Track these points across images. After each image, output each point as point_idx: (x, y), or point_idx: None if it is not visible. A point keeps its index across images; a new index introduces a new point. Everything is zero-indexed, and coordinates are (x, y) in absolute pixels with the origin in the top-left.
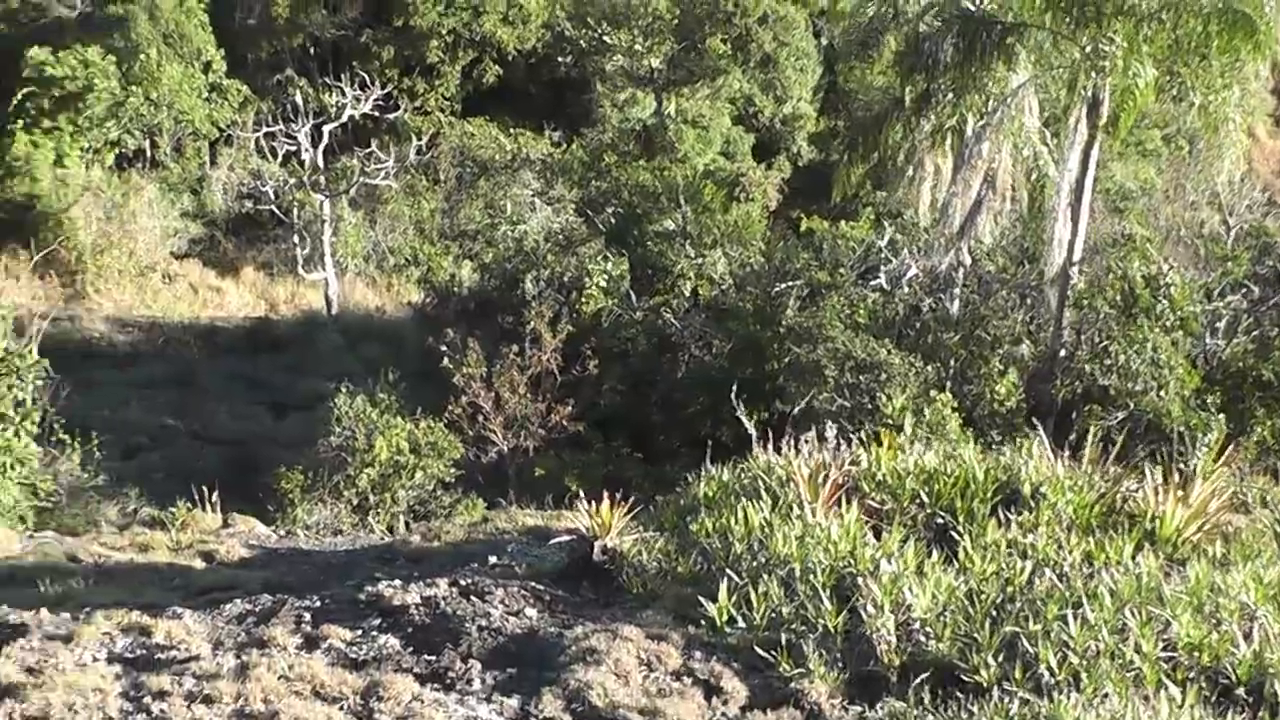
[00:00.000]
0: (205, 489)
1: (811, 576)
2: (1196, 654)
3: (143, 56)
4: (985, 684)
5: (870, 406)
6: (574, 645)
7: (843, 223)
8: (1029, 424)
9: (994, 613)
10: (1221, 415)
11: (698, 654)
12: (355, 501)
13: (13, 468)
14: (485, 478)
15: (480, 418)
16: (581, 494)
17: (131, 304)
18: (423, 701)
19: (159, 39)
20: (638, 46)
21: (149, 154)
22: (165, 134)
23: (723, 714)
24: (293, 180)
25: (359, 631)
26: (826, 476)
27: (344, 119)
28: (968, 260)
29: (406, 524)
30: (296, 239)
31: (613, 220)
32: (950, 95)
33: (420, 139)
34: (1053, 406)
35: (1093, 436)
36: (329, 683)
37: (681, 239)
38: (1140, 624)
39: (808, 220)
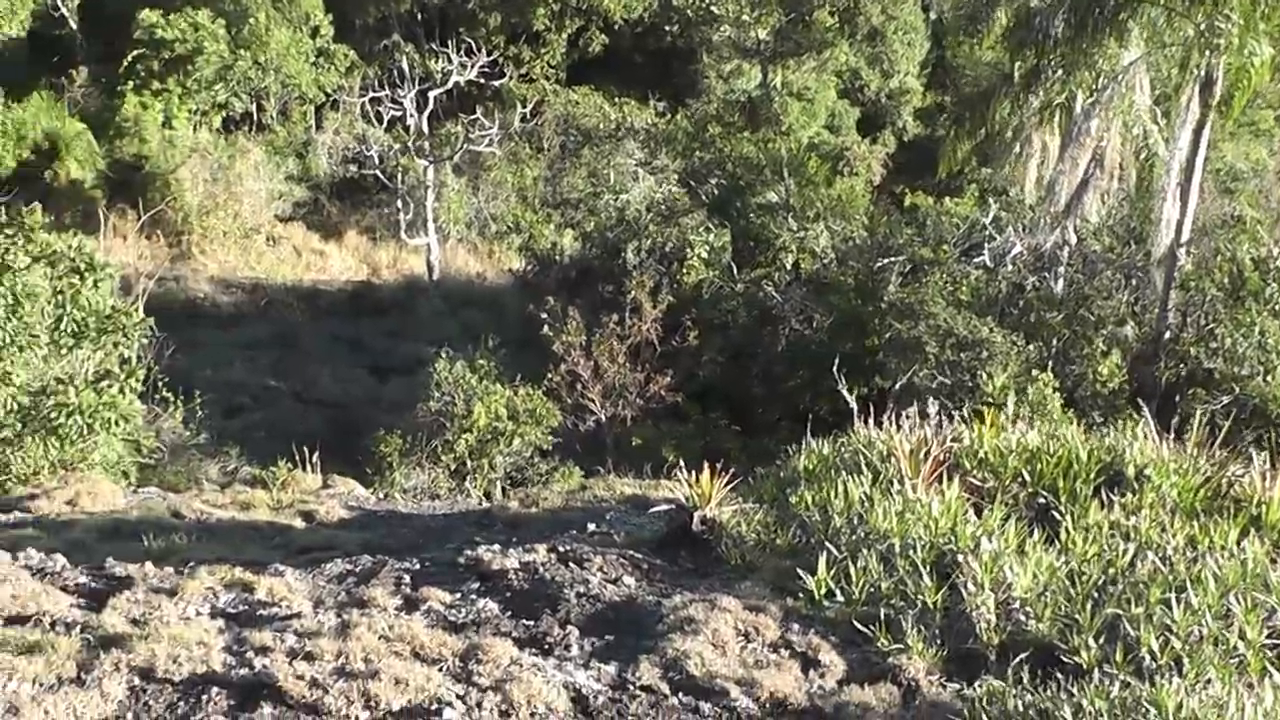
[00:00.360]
0: (306, 450)
1: (911, 552)
2: None
3: (251, 20)
4: (1085, 665)
5: (970, 384)
6: (672, 614)
7: (947, 199)
8: (1131, 406)
9: (1095, 594)
10: None
11: (795, 626)
12: (453, 467)
13: (117, 424)
14: (582, 446)
15: (579, 386)
16: (682, 464)
17: (236, 265)
18: (521, 666)
19: (268, 3)
20: (745, 17)
21: (255, 117)
22: (272, 97)
23: (820, 686)
24: (397, 145)
25: (458, 595)
26: (928, 453)
27: (449, 85)
28: (1073, 239)
29: (503, 490)
30: (400, 204)
31: (715, 192)
32: (1060, 71)
33: (525, 106)
34: (1156, 389)
35: (1198, 420)
36: (428, 644)
37: (784, 212)
38: (1245, 610)
39: (911, 196)
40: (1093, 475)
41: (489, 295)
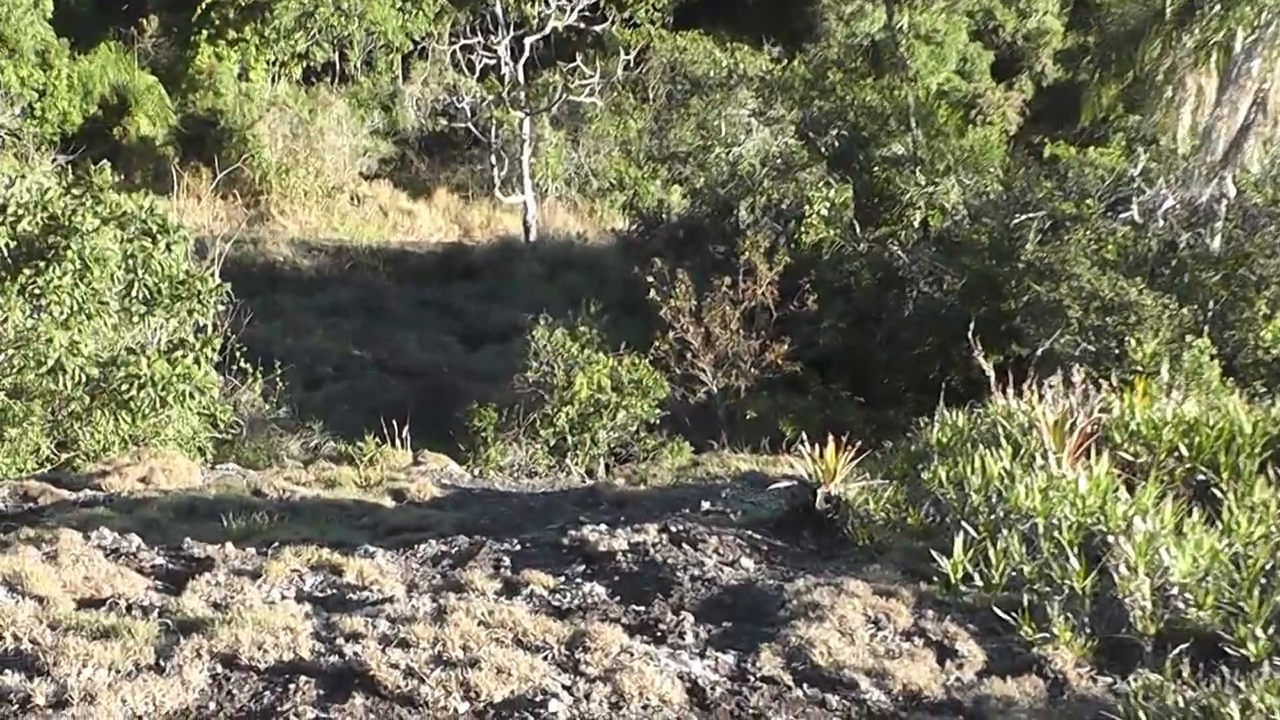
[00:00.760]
0: (394, 423)
1: (1056, 533)
2: None
3: None
4: (1253, 657)
5: (1117, 351)
6: (794, 599)
7: (1090, 149)
8: None
9: (1263, 580)
10: None
11: (930, 613)
12: (552, 442)
13: (192, 396)
14: (692, 420)
15: (688, 355)
16: (805, 437)
17: (317, 226)
18: (632, 654)
19: None
20: None
21: (338, 68)
22: (356, 46)
23: (957, 679)
24: (490, 96)
25: (562, 578)
26: (1074, 425)
27: (546, 31)
28: (1231, 191)
29: (607, 467)
30: (493, 160)
31: (836, 144)
32: (1218, 6)
33: (628, 53)
34: None
35: None
36: (531, 630)
37: (911, 165)
38: None
39: (1051, 146)
40: (1258, 449)
41: (590, 257)
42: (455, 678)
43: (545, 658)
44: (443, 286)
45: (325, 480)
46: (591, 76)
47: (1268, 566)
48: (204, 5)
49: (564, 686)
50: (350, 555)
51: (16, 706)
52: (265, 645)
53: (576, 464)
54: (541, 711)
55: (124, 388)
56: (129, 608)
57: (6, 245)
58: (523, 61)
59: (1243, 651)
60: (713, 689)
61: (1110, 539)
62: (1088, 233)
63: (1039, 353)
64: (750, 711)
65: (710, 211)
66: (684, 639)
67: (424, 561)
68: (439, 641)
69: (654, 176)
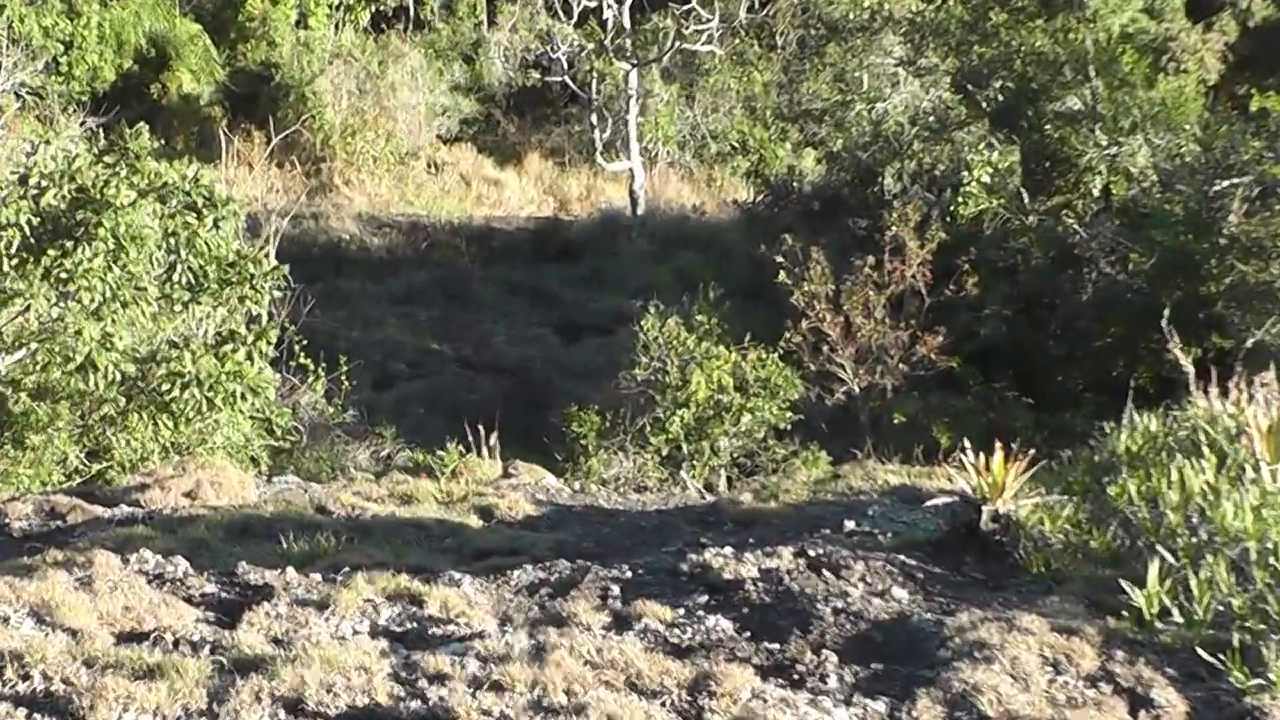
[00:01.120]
0: (479, 429)
1: (1272, 559)
2: None
3: None
4: None
5: None
6: (957, 637)
7: None
8: None
9: None
10: None
11: (1119, 654)
12: (665, 451)
13: (244, 398)
14: (830, 424)
15: (825, 348)
16: (968, 444)
17: (388, 199)
18: (765, 700)
19: None
20: None
21: (412, 12)
22: None
23: None
24: (590, 45)
25: (681, 610)
26: None
27: None
28: None
29: (729, 480)
30: (594, 119)
31: (999, 98)
32: None
33: None
34: None
35: None
36: (646, 672)
37: (1090, 122)
38: None
39: (1260, 98)
40: None
41: (708, 233)
42: None
43: (663, 704)
44: (535, 269)
45: (400, 495)
46: (709, 20)
47: None
48: None
49: None
50: (432, 583)
51: None
52: (335, 688)
53: (693, 477)
54: None
55: (165, 387)
56: (176, 643)
57: (29, 222)
58: (629, 3)
59: None
60: None
61: None
62: None
63: (1247, 345)
64: None
65: (850, 179)
66: (826, 682)
67: (519, 590)
68: (538, 684)
69: (783, 138)
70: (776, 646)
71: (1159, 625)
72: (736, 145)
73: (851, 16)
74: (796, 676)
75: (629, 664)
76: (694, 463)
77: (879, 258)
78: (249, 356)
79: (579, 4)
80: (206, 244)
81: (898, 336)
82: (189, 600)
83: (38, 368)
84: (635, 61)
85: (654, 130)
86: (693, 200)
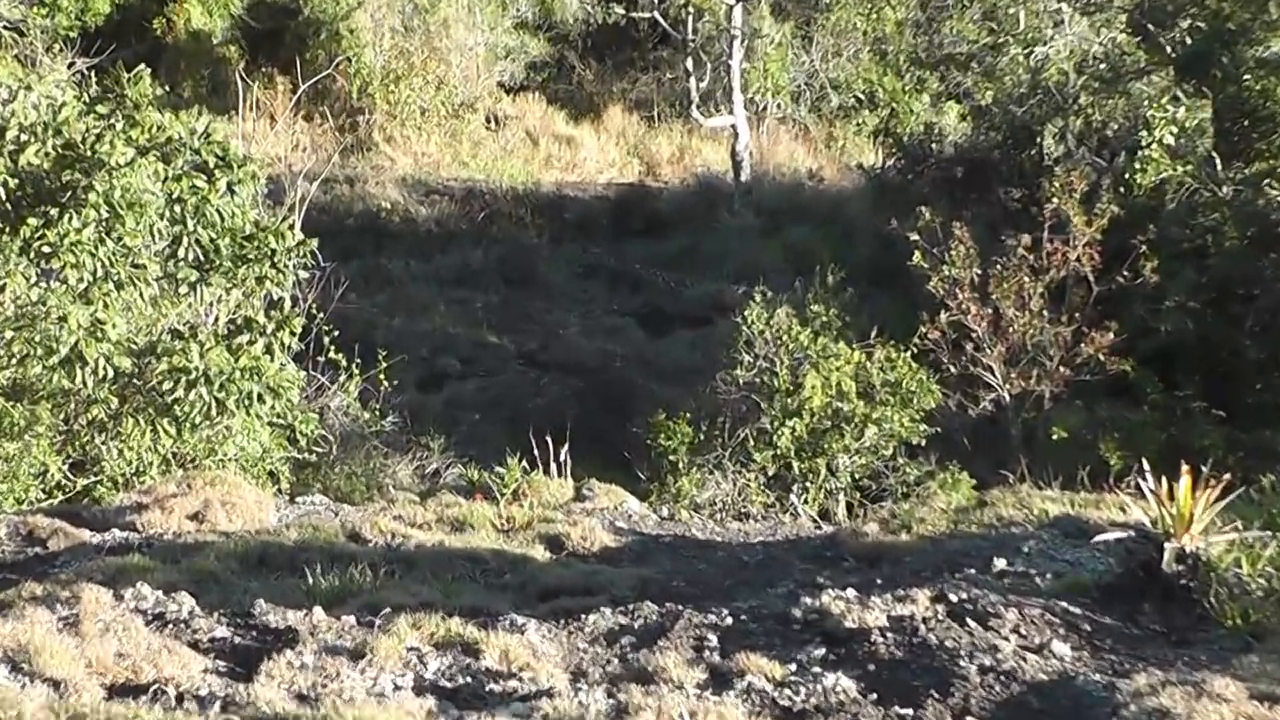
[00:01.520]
0: (548, 440)
1: None
2: None
3: None
4: None
5: None
6: (1133, 704)
7: None
8: None
9: None
10: None
11: None
12: (772, 470)
13: (262, 400)
14: (974, 439)
15: (969, 346)
16: (1145, 466)
17: (439, 159)
18: None
19: None
20: None
21: None
22: None
23: None
24: None
25: (793, 666)
26: None
27: None
28: None
29: (850, 506)
30: (690, 65)
31: (1188, 40)
32: None
33: None
34: None
35: None
36: None
37: None
38: None
39: None
40: None
41: (827, 204)
42: None
43: None
44: (615, 246)
45: (450, 520)
46: None
47: None
48: None
49: None
50: (490, 628)
51: None
52: None
53: (806, 502)
54: None
55: (166, 386)
56: (180, 698)
57: (4, 185)
58: None
59: None
60: None
61: None
62: None
63: None
64: None
65: (1001, 140)
66: None
67: (594, 639)
68: None
69: (920, 89)
70: (909, 712)
71: None
72: (862, 97)
73: None
74: None
75: None
76: (807, 485)
77: (1036, 236)
78: (268, 350)
79: None
80: (219, 212)
81: (1058, 333)
82: (195, 646)
83: (13, 360)
84: None
85: (762, 79)
86: (808, 164)
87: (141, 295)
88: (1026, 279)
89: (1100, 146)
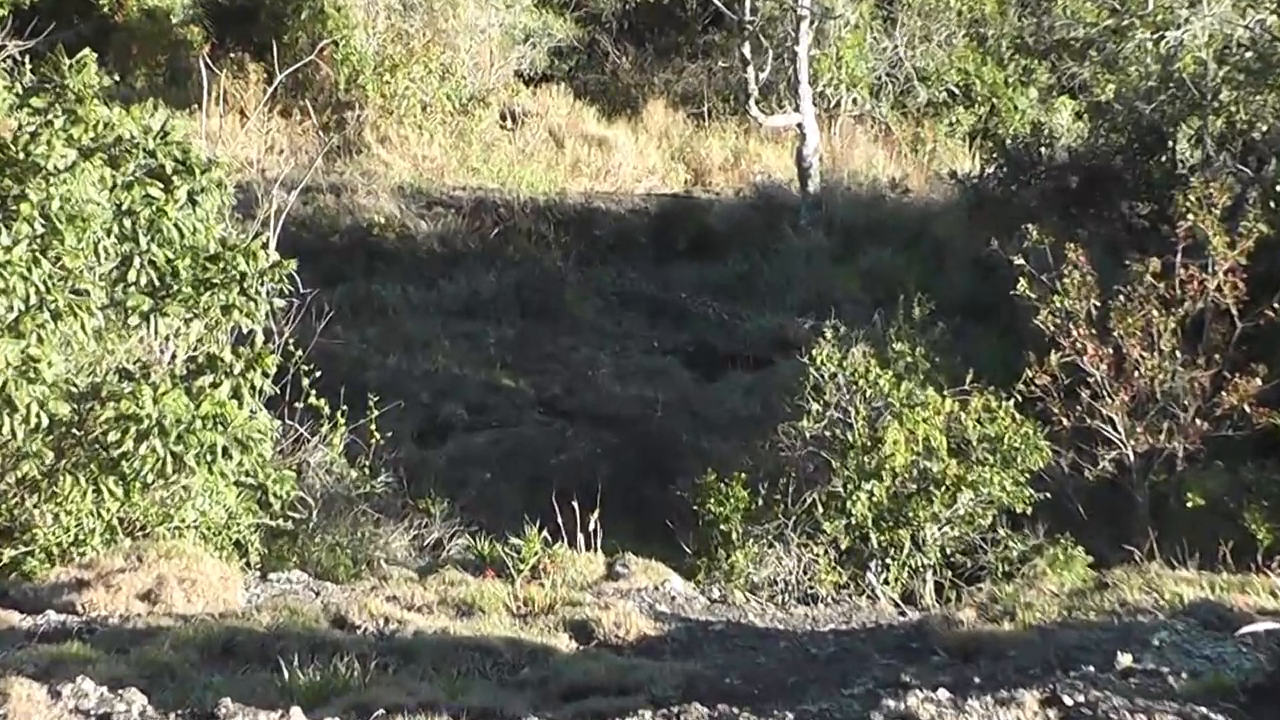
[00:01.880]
0: (574, 505)
1: None
2: None
3: None
4: None
5: None
6: None
7: None
8: None
9: None
10: None
11: None
12: (844, 543)
13: (228, 455)
14: (1092, 507)
15: (1085, 394)
16: None
17: (443, 165)
18: None
19: None
20: None
21: None
22: None
23: None
24: None
25: None
26: None
27: None
28: None
29: (939, 587)
30: (747, 51)
31: None
32: None
33: None
34: None
35: None
36: None
37: None
38: None
39: None
40: None
41: (913, 221)
42: None
43: None
44: (657, 270)
45: (456, 602)
46: None
47: None
48: None
49: None
50: None
51: None
52: None
53: (887, 582)
54: None
55: (112, 437)
56: None
57: None
58: None
59: None
60: None
61: None
62: None
63: None
64: None
65: (1125, 143)
66: None
67: None
68: None
69: (1026, 82)
70: None
71: None
72: (956, 91)
73: None
74: None
75: None
76: (888, 561)
77: (1167, 260)
78: (236, 394)
79: None
80: (177, 227)
81: (1194, 378)
82: None
83: None
84: None
85: (835, 68)
86: (890, 172)
87: (83, 327)
88: (1155, 312)
89: (1245, 152)
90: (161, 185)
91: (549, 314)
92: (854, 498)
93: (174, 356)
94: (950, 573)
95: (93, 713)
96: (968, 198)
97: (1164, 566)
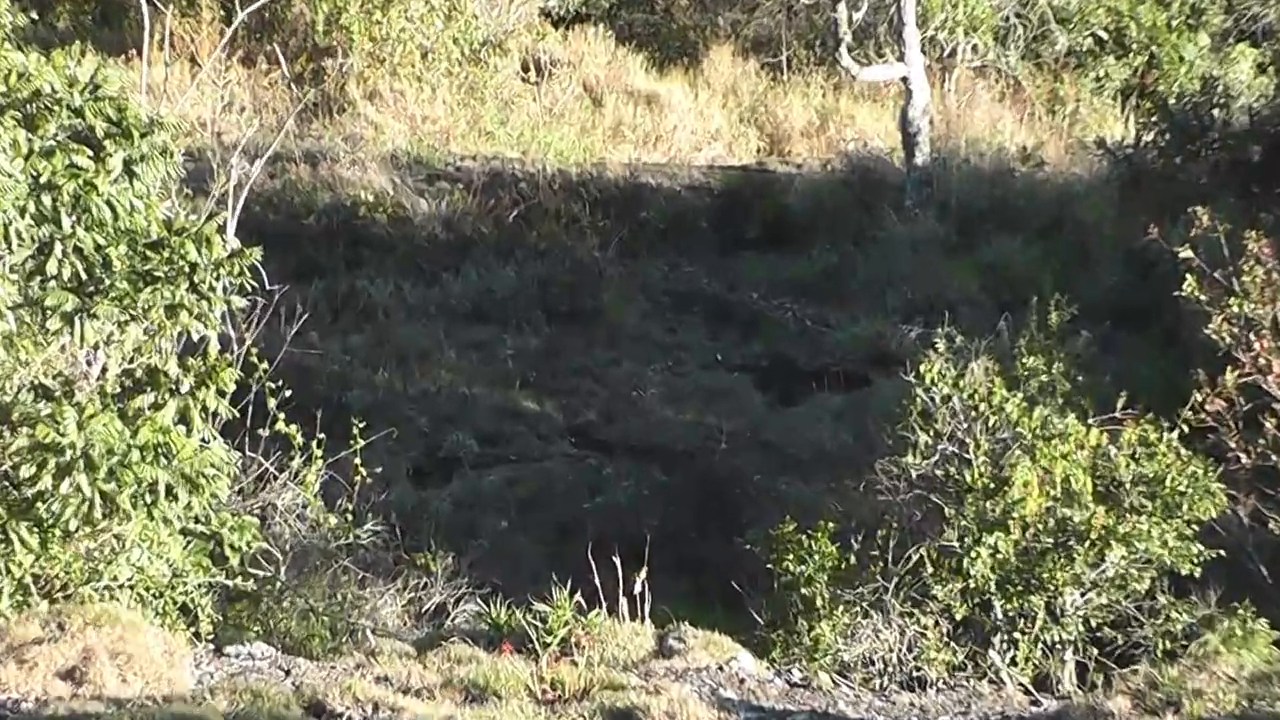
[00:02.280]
0: (615, 562)
1: None
2: None
3: None
4: None
5: None
6: None
7: None
8: None
9: None
10: None
11: None
12: (959, 612)
13: (173, 495)
14: (1276, 566)
15: (1270, 423)
16: None
17: (449, 128)
18: None
19: None
20: None
21: None
22: None
23: None
24: None
25: None
26: None
27: None
28: None
29: (1082, 669)
30: None
31: None
32: None
33: None
34: None
35: None
36: None
37: None
38: None
39: None
40: None
41: (1049, 202)
42: None
43: None
44: (721, 263)
45: (464, 685)
46: None
47: None
48: None
49: None
50: None
51: None
52: None
53: (1015, 663)
54: None
55: (26, 472)
56: None
57: None
58: None
59: None
60: None
61: None
62: None
63: None
64: None
65: None
66: None
67: None
68: None
69: (1195, 26)
70: None
71: None
72: (1105, 37)
73: None
74: None
75: None
76: (1016, 636)
77: None
78: (183, 418)
79: None
80: (111, 205)
81: None
82: None
83: None
84: None
85: (950, 7)
86: (1020, 140)
87: None
88: None
89: None
90: (91, 152)
91: (582, 318)
92: (973, 555)
93: (104, 370)
94: (1096, 651)
95: None
96: (1119, 173)
97: None
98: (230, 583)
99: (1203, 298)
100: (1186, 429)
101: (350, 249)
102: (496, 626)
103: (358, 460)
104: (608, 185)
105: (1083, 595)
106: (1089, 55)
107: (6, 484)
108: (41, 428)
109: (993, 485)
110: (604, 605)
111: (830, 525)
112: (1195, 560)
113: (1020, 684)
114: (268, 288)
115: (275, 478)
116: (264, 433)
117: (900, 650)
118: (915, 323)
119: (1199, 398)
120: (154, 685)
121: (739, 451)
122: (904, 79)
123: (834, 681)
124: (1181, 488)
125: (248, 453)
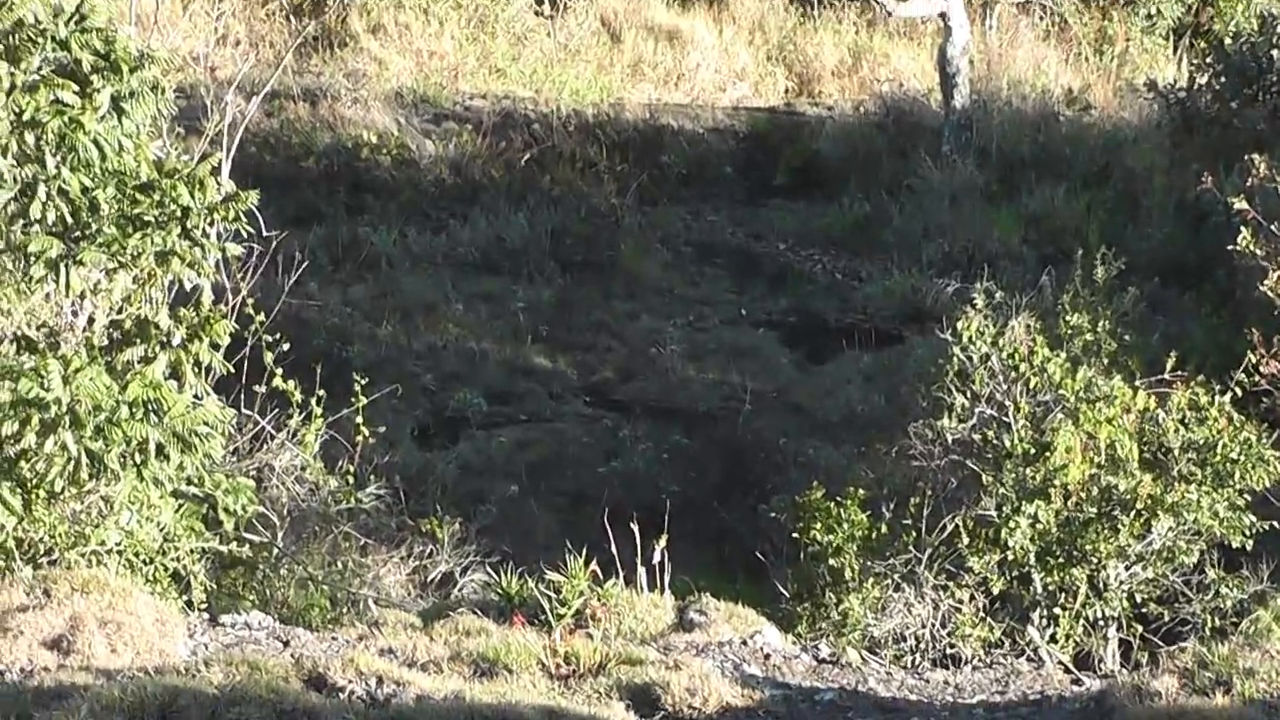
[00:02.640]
0: (632, 529)
1: None
2: None
3: None
4: None
5: None
6: None
7: None
8: None
9: None
10: None
11: None
12: (997, 586)
13: (164, 455)
14: None
15: None
16: None
17: (457, 64)
18: None
19: None
20: None
21: None
22: None
23: None
24: None
25: None
26: None
27: None
28: None
29: (1126, 646)
30: None
31: None
32: None
33: None
34: None
35: None
36: None
37: None
38: None
39: None
40: None
41: (1095, 148)
42: None
43: None
44: (747, 211)
45: (473, 658)
46: None
47: None
48: None
49: None
50: None
51: None
52: None
53: (1055, 639)
54: None
55: (8, 429)
56: None
57: None
58: None
59: None
60: None
61: None
62: None
63: None
64: None
65: None
66: None
67: None
68: None
69: None
70: None
71: None
72: None
73: None
74: None
75: None
76: (1056, 611)
77: None
78: (174, 373)
79: None
80: (98, 145)
81: None
82: None
83: None
84: None
85: None
86: (1066, 81)
87: None
88: None
89: None
90: (76, 88)
91: (599, 270)
92: (1011, 525)
93: (91, 321)
94: (1141, 627)
95: None
96: (1172, 118)
97: None
98: (225, 548)
99: (1259, 252)
100: (1240, 392)
101: (352, 193)
102: (507, 597)
103: (359, 419)
104: (626, 127)
105: (1127, 568)
106: None
107: None
108: (25, 382)
109: (1033, 451)
110: (621, 575)
111: (860, 492)
112: (1247, 532)
113: (1060, 662)
114: (264, 234)
115: (272, 437)
116: (260, 389)
117: (933, 625)
118: (952, 277)
119: (1253, 359)
120: (145, 655)
121: (764, 413)
122: (942, 15)
123: (863, 658)
124: (1233, 455)
125: (243, 410)
